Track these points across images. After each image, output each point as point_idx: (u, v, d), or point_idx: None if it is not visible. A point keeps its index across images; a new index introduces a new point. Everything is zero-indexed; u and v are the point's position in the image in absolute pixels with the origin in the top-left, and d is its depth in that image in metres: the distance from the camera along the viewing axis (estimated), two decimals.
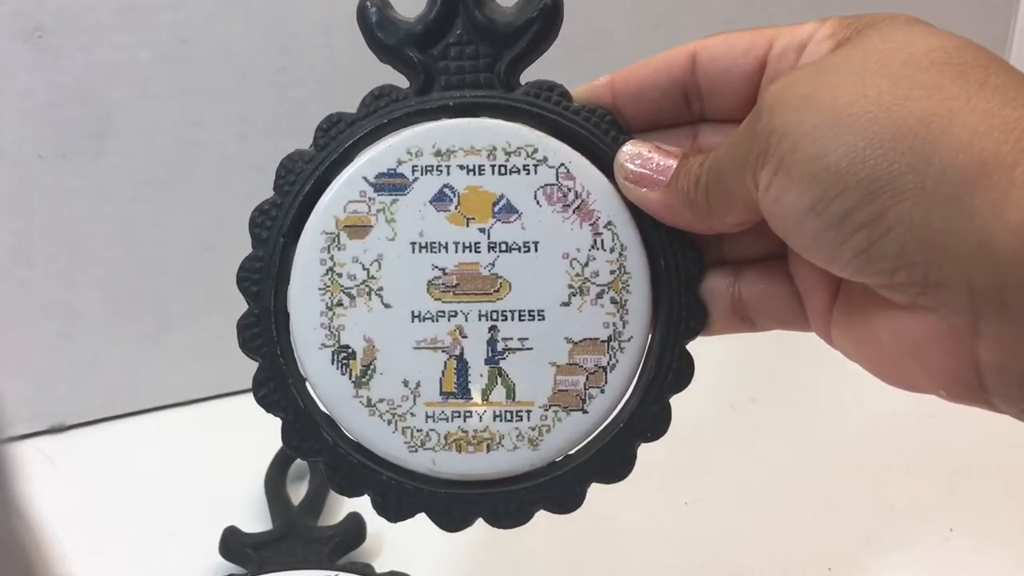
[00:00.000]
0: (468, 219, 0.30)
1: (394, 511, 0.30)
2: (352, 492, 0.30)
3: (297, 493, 0.46)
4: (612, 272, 0.30)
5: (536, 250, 0.30)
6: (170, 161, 0.51)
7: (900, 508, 0.45)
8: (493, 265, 0.30)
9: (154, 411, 0.55)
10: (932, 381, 0.25)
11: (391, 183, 0.30)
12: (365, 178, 0.30)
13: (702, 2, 0.57)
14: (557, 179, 0.30)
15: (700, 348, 0.30)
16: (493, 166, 0.30)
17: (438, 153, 0.30)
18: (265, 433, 0.49)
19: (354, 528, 0.43)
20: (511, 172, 0.30)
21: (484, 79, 0.30)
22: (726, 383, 0.54)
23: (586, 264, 0.30)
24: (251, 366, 0.32)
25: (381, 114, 0.30)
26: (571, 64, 0.56)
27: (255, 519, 0.45)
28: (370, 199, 0.30)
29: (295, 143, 0.52)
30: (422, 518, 0.30)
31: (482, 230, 0.30)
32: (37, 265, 0.50)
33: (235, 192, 0.52)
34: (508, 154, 0.30)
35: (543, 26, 0.30)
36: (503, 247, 0.30)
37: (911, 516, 0.45)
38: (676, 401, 0.30)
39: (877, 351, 0.26)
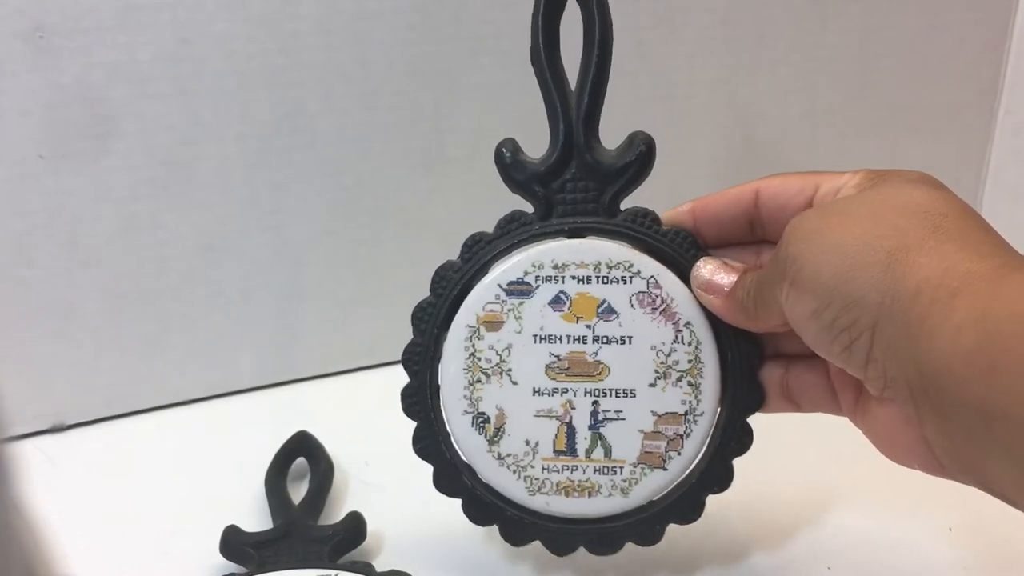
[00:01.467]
0: (578, 317, 0.38)
1: (516, 538, 0.40)
2: (484, 523, 0.40)
3: (297, 492, 0.46)
4: (689, 361, 0.38)
5: (630, 343, 0.38)
6: (170, 161, 0.51)
7: (900, 507, 0.45)
8: (596, 353, 0.38)
9: (154, 411, 0.55)
10: (908, 458, 0.32)
11: (519, 289, 0.38)
12: (499, 285, 0.38)
13: (702, 2, 0.57)
14: (647, 288, 0.38)
15: None
16: (598, 277, 0.38)
17: (555, 267, 0.38)
18: (265, 432, 0.50)
19: (354, 527, 0.43)
20: (612, 282, 0.38)
21: (592, 208, 0.38)
22: None
23: (669, 355, 0.38)
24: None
25: (512, 235, 0.39)
26: (570, 65, 0.56)
27: (255, 518, 0.45)
28: (503, 301, 0.38)
29: (295, 143, 0.53)
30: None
31: (588, 326, 0.38)
32: (38, 265, 0.50)
33: (235, 192, 0.53)
34: (610, 268, 0.38)
35: (640, 167, 0.38)
36: (604, 340, 0.38)
37: (911, 515, 0.45)
38: None
39: (876, 434, 0.34)
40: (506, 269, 0.38)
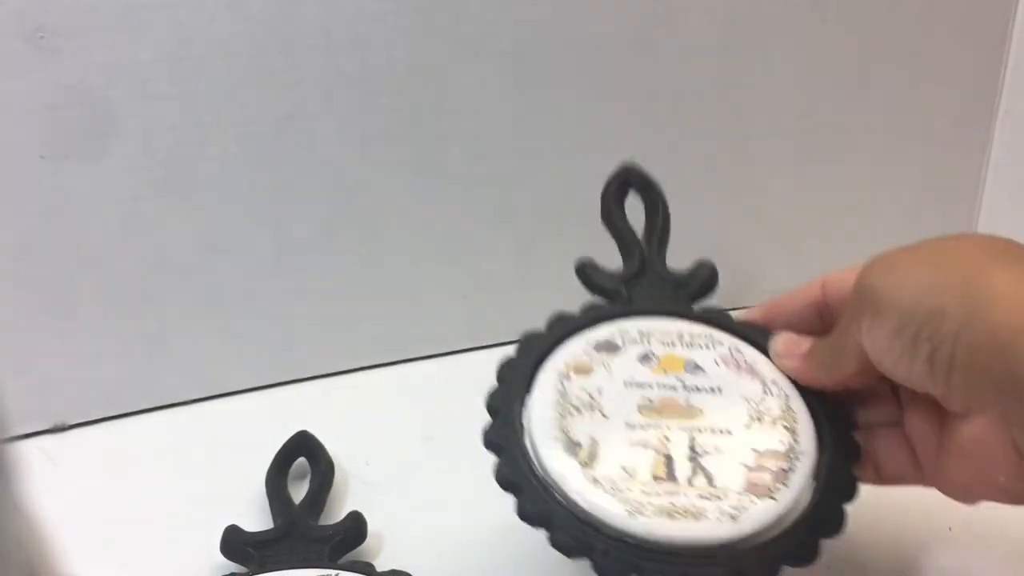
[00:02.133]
0: (666, 370, 0.39)
1: (614, 571, 0.35)
2: (575, 553, 0.35)
3: (298, 492, 0.46)
4: (781, 409, 0.38)
5: (720, 392, 0.38)
6: (171, 161, 0.51)
7: (899, 507, 0.45)
8: (688, 399, 0.38)
9: (155, 410, 0.55)
10: (995, 472, 0.33)
11: (607, 346, 0.39)
12: (588, 342, 0.39)
13: (702, 2, 0.57)
14: (730, 352, 0.39)
15: None
16: (682, 343, 0.40)
17: (640, 333, 0.40)
18: (265, 432, 0.50)
19: (355, 527, 0.43)
20: (696, 347, 0.40)
21: (668, 307, 0.41)
22: None
23: (760, 403, 0.38)
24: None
25: (597, 311, 0.41)
26: (570, 65, 0.56)
27: (256, 518, 0.45)
28: (591, 354, 0.39)
29: (296, 144, 0.53)
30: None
31: (678, 378, 0.39)
32: (39, 265, 0.50)
33: (236, 192, 0.53)
34: (692, 336, 0.40)
35: (705, 287, 0.43)
36: (695, 388, 0.38)
37: (910, 514, 0.45)
38: None
39: (959, 471, 0.35)
40: (592, 334, 0.40)
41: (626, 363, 0.39)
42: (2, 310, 0.51)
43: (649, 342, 0.39)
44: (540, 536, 0.39)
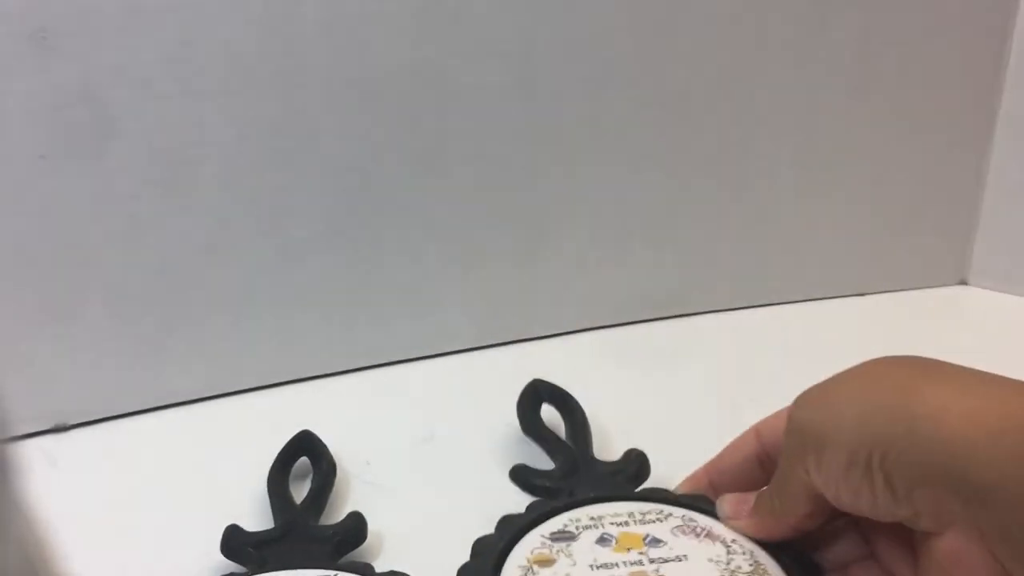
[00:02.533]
0: (628, 548, 0.39)
1: None
2: None
3: (299, 492, 0.46)
4: (750, 565, 0.38)
5: (687, 559, 0.38)
6: (172, 162, 0.51)
7: None
8: (658, 571, 0.38)
9: (156, 410, 0.55)
10: None
11: (562, 535, 0.40)
12: (542, 535, 0.40)
13: (702, 3, 0.57)
14: (684, 522, 0.40)
15: None
16: (634, 520, 0.40)
17: (592, 518, 0.40)
18: (266, 432, 0.50)
19: (355, 527, 0.43)
20: (649, 522, 0.40)
21: (607, 493, 0.42)
22: None
23: (728, 563, 0.38)
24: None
25: (542, 506, 0.41)
26: (571, 65, 0.56)
27: (257, 518, 0.45)
28: (549, 545, 0.39)
29: (297, 144, 0.53)
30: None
31: (640, 553, 0.39)
32: (40, 265, 0.50)
33: (237, 193, 0.53)
34: (643, 514, 0.40)
35: (636, 475, 0.45)
36: (660, 560, 0.38)
37: None
38: None
39: None
40: (545, 525, 0.40)
41: (585, 547, 0.39)
42: (2, 310, 0.51)
43: (603, 525, 0.40)
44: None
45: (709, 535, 0.39)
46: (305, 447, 0.49)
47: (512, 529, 0.40)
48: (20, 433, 0.52)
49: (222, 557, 0.42)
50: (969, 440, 0.30)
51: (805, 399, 0.35)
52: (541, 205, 0.58)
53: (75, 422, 0.54)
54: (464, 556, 0.39)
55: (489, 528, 0.41)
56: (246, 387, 0.57)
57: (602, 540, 0.39)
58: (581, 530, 0.40)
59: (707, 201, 0.61)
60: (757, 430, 0.40)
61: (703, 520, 0.40)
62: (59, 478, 0.50)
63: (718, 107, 0.60)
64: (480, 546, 0.40)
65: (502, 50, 0.54)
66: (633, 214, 0.60)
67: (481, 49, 0.54)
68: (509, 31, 0.54)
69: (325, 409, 0.55)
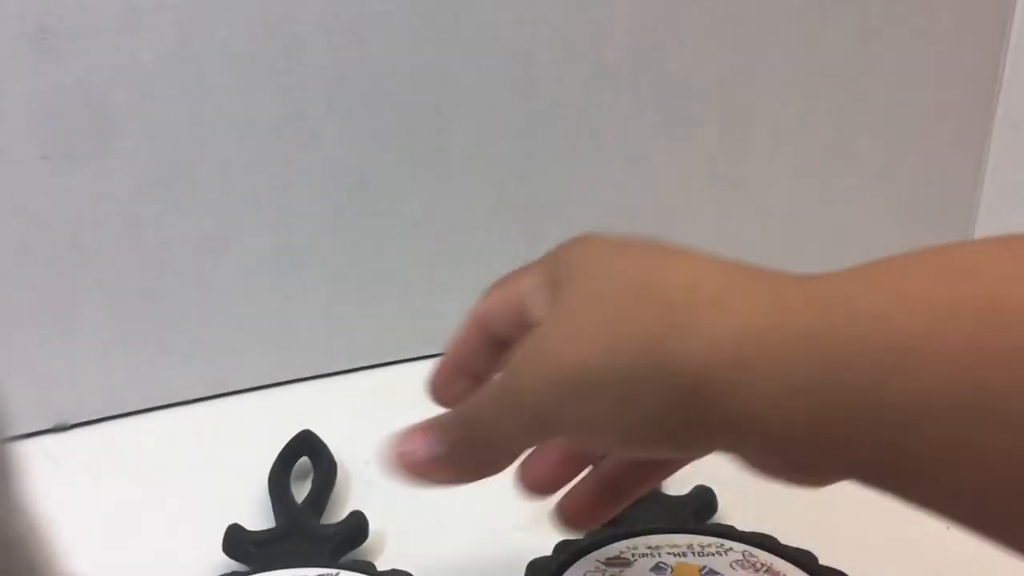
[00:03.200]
0: None
1: None
2: None
3: (300, 491, 0.46)
4: None
5: None
6: (172, 162, 0.51)
7: (898, 505, 0.45)
8: None
9: (157, 410, 0.55)
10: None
11: (617, 562, 0.39)
12: (598, 560, 0.39)
13: (702, 2, 0.57)
14: (744, 557, 0.39)
15: None
16: (693, 552, 0.39)
17: (649, 547, 0.40)
18: (267, 432, 0.50)
19: (356, 526, 0.43)
20: (708, 555, 0.39)
21: (673, 524, 0.41)
22: None
23: None
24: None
25: (601, 534, 0.40)
26: (571, 65, 0.56)
27: (258, 517, 0.45)
28: (603, 570, 0.39)
29: (297, 144, 0.53)
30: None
31: None
32: (40, 265, 0.50)
33: (237, 193, 0.53)
34: (703, 547, 0.40)
35: (707, 505, 0.43)
36: None
37: (909, 513, 0.45)
38: None
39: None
40: (602, 551, 0.40)
41: (639, 574, 0.38)
42: (2, 310, 0.51)
43: (659, 554, 0.39)
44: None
45: (769, 571, 0.39)
46: (306, 447, 0.49)
47: (568, 552, 0.40)
48: (21, 432, 0.52)
49: (224, 556, 0.42)
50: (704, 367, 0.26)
51: (522, 351, 0.30)
52: (541, 205, 0.58)
53: (75, 422, 0.54)
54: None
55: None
56: (246, 387, 0.57)
57: (657, 568, 0.39)
58: (637, 557, 0.39)
59: (706, 201, 0.61)
60: (480, 320, 0.34)
61: (764, 556, 0.39)
62: (60, 477, 0.50)
63: (718, 107, 0.60)
64: (534, 568, 0.40)
65: (502, 50, 0.54)
66: (633, 214, 0.60)
67: (481, 49, 0.54)
68: (509, 31, 0.54)
69: (325, 409, 0.55)
